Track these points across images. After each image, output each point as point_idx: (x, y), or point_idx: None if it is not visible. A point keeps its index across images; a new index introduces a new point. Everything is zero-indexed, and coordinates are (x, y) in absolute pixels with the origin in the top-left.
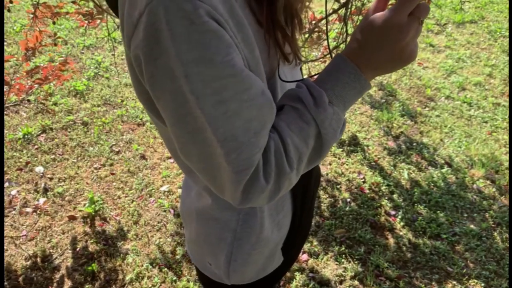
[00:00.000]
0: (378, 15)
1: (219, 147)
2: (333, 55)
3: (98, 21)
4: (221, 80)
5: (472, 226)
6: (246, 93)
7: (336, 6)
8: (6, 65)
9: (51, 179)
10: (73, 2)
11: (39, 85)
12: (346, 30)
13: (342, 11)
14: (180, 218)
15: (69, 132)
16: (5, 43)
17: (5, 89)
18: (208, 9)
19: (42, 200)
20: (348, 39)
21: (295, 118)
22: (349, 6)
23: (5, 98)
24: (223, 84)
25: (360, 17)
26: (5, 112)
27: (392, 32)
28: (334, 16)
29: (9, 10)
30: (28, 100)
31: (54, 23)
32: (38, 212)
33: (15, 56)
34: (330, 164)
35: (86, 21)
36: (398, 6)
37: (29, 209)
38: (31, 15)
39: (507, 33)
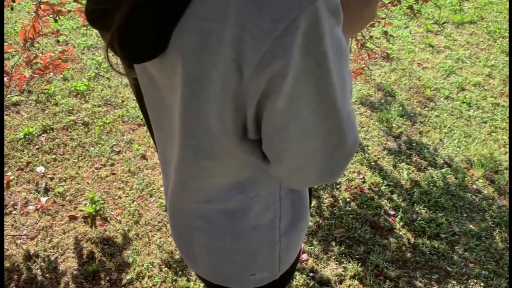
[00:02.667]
0: None
1: (342, 128)
2: None
3: None
4: (345, 65)
5: (471, 226)
6: (349, 72)
7: None
8: (5, 56)
9: (52, 179)
10: (75, 1)
11: (40, 76)
12: None
13: None
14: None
15: (70, 132)
16: (5, 43)
17: (5, 80)
18: None
19: (44, 199)
20: None
21: None
22: None
23: (5, 91)
24: (345, 68)
25: None
26: (6, 112)
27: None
28: None
29: (12, 8)
30: (29, 91)
31: (56, 21)
32: (40, 210)
33: (14, 46)
34: None
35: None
36: None
37: (30, 209)
38: (33, 13)
39: (507, 34)
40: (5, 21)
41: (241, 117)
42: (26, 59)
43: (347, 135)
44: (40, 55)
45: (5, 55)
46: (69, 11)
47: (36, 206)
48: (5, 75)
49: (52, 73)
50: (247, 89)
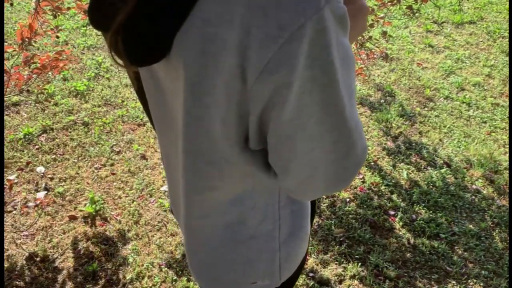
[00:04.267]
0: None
1: (351, 137)
2: None
3: None
4: (352, 74)
5: (471, 226)
6: (355, 80)
7: None
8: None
9: (51, 179)
10: None
11: (38, 75)
12: None
13: None
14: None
15: (70, 132)
16: (5, 43)
17: (4, 79)
18: (344, 6)
19: (41, 193)
20: None
21: None
22: None
23: (5, 88)
24: (352, 77)
25: None
26: (6, 112)
27: (363, 12)
28: None
29: (11, 4)
30: (28, 91)
31: (55, 17)
32: (40, 206)
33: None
34: None
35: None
36: None
37: (30, 209)
38: (33, 9)
39: (506, 34)
40: (5, 21)
41: (244, 125)
42: (24, 59)
43: (356, 144)
44: (39, 55)
45: (5, 55)
46: (69, 9)
47: (36, 203)
48: (4, 74)
49: (50, 73)
50: (250, 96)
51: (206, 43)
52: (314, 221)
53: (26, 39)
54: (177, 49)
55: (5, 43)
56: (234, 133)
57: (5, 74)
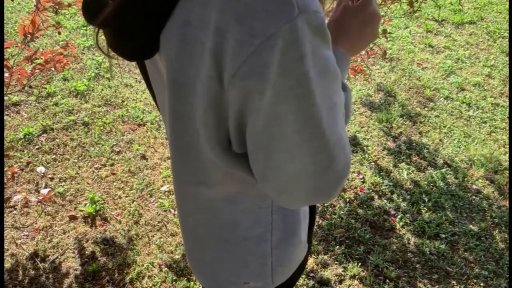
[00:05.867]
0: (354, 7)
1: (331, 151)
2: None
3: None
4: (333, 86)
5: (471, 226)
6: (340, 93)
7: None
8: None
9: (52, 179)
10: None
11: (40, 71)
12: None
13: None
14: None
15: (70, 132)
16: (7, 41)
17: (6, 75)
18: (323, 17)
19: (45, 190)
20: None
21: None
22: None
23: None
24: (333, 89)
25: None
26: (6, 112)
27: (375, 19)
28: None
29: (12, 0)
30: (30, 86)
31: (56, 13)
32: (43, 202)
33: (14, 41)
34: None
35: None
36: None
37: (30, 209)
38: (34, 6)
39: (506, 34)
40: (5, 21)
41: (225, 128)
42: (27, 54)
43: (337, 158)
44: (42, 51)
45: (6, 54)
46: (69, 5)
47: (38, 198)
48: (6, 70)
49: (53, 68)
50: (227, 99)
51: (186, 44)
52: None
53: (29, 35)
54: (162, 46)
55: (6, 41)
56: (215, 135)
57: (7, 70)
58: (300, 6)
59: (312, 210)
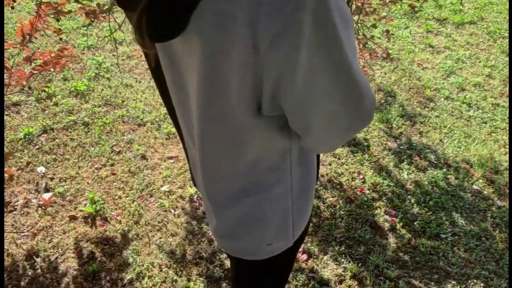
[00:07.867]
0: None
1: (359, 89)
2: None
3: (102, 18)
4: (352, 32)
5: (471, 226)
6: (354, 39)
7: None
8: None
9: (52, 179)
10: (76, 1)
11: (39, 72)
12: None
13: None
14: (182, 218)
15: (70, 132)
16: (6, 42)
17: (5, 76)
18: None
19: (47, 194)
20: None
21: None
22: (349, 5)
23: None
24: (352, 34)
25: (361, 16)
26: (6, 112)
27: None
28: None
29: (12, 8)
30: (30, 87)
31: (58, 20)
32: (43, 206)
33: (13, 43)
34: (330, 165)
35: (89, 20)
36: None
37: (33, 204)
38: (34, 13)
39: (507, 34)
40: (5, 22)
41: (257, 94)
42: (26, 56)
43: (365, 95)
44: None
45: (6, 54)
46: (70, 12)
47: (39, 203)
48: (5, 71)
49: (52, 69)
50: (263, 64)
51: (219, 20)
52: (314, 221)
53: (27, 36)
54: (193, 25)
55: (6, 42)
56: (249, 101)
57: (6, 71)
58: None
59: (318, 162)
